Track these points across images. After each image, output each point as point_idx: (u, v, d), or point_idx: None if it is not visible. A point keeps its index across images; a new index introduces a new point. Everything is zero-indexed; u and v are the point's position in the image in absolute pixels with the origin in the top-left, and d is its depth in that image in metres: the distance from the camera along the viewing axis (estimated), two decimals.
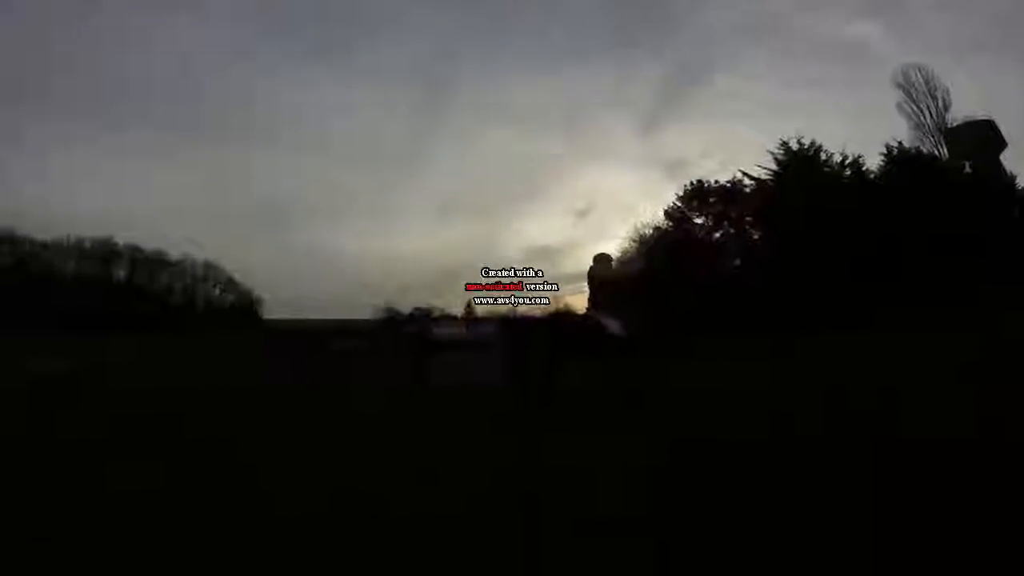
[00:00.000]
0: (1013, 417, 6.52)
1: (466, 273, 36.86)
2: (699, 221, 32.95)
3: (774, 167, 31.56)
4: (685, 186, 33.56)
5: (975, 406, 7.36)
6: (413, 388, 12.69)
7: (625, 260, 34.18)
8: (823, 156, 31.05)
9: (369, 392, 12.23)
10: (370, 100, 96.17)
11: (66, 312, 45.01)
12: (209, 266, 64.65)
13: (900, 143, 31.62)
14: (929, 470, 4.79)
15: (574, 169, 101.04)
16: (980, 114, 33.63)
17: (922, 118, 35.39)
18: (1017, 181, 30.79)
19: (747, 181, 32.04)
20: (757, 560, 3.29)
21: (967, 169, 32.24)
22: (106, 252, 59.53)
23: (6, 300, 44.54)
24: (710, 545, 3.50)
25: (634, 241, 35.17)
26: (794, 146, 31.20)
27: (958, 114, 34.49)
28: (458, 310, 38.38)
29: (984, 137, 32.60)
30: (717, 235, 32.55)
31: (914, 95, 35.74)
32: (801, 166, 30.66)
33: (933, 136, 34.89)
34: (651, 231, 34.02)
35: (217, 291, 66.60)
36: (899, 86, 36.30)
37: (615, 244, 37.45)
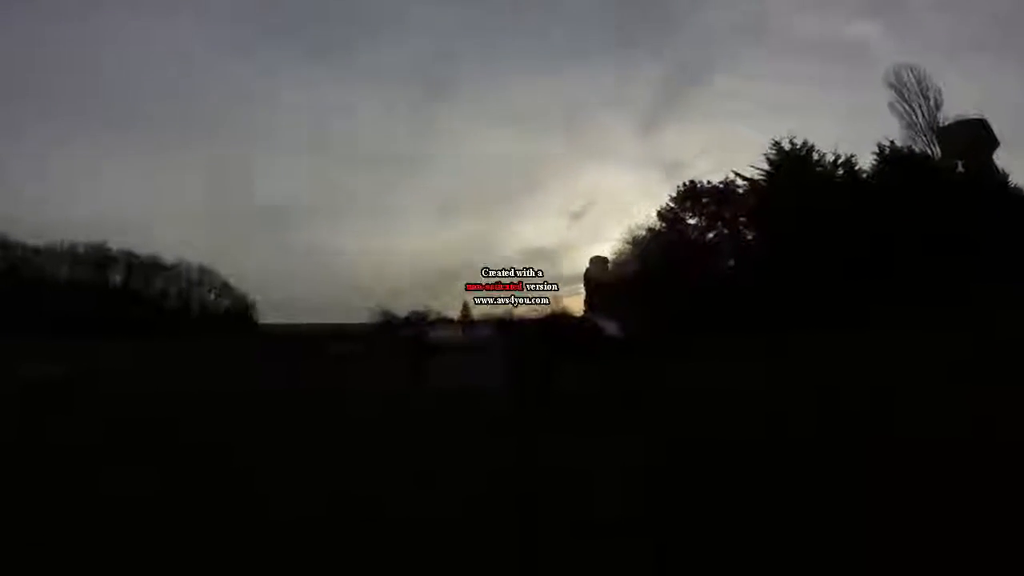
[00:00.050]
0: (1006, 416, 6.57)
1: (463, 274, 36.70)
2: (692, 222, 33.01)
3: (767, 167, 31.72)
4: (678, 187, 33.67)
5: (968, 405, 7.42)
6: (409, 391, 12.67)
7: (620, 262, 34.25)
8: (815, 156, 31.18)
9: (365, 396, 12.20)
10: (370, 100, 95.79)
11: (59, 317, 44.50)
12: (204, 270, 64.23)
13: (892, 142, 31.83)
14: (922, 469, 4.82)
15: (573, 169, 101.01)
16: (972, 113, 33.95)
17: (914, 118, 35.63)
18: (1009, 180, 31.07)
19: (740, 182, 32.20)
20: (754, 560, 3.30)
21: (959, 168, 32.47)
22: (100, 257, 59.18)
23: None
24: (707, 545, 3.51)
25: (628, 243, 35.23)
26: (786, 146, 31.35)
27: (950, 113, 34.78)
28: (454, 312, 38.39)
29: (976, 136, 32.82)
30: (710, 236, 32.61)
31: (906, 95, 35.97)
32: (793, 166, 30.76)
33: (925, 135, 35.13)
34: (645, 232, 34.08)
35: (212, 296, 66.24)
36: (891, 86, 36.52)
37: (611, 246, 37.43)
